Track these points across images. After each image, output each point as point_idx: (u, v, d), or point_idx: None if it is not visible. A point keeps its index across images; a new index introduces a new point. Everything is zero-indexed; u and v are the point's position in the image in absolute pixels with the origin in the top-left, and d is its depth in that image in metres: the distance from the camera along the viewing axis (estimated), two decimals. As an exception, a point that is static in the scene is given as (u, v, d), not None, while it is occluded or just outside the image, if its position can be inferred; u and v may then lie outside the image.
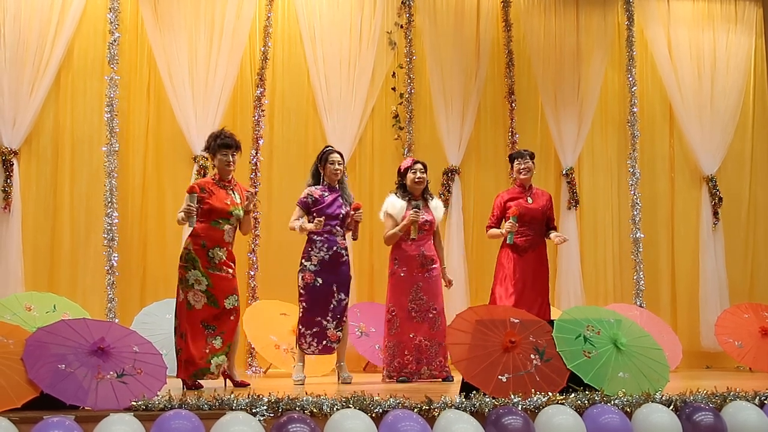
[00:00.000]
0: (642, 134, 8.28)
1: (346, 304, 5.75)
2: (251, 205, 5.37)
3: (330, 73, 7.50)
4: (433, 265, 5.94)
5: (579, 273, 7.90)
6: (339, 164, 5.76)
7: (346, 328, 5.75)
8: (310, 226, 5.60)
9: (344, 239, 5.80)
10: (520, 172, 6.11)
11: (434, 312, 5.87)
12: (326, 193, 5.74)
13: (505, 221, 6.06)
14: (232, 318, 5.21)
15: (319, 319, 5.62)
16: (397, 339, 5.82)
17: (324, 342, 5.63)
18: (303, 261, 5.69)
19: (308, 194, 5.73)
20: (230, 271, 5.25)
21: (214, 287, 5.15)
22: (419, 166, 6.02)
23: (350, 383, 5.47)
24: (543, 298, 6.06)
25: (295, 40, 7.59)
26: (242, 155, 7.18)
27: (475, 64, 7.90)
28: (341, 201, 5.77)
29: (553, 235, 6.12)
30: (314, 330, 5.61)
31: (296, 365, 5.66)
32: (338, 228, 5.73)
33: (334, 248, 5.68)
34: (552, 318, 5.25)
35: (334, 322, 5.65)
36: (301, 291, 5.65)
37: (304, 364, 5.67)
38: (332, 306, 5.65)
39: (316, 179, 5.82)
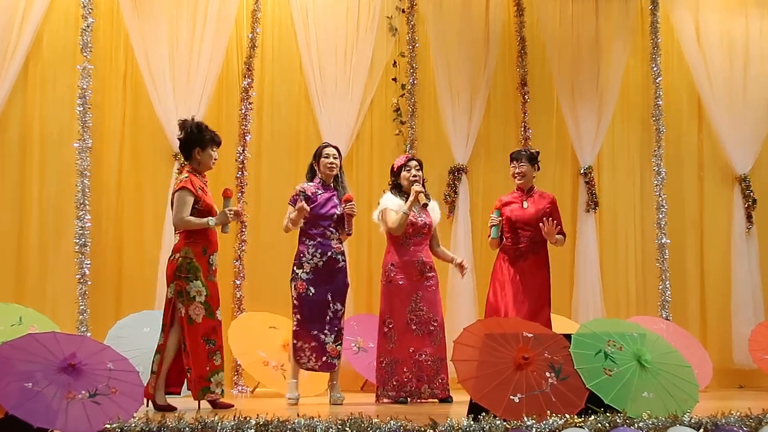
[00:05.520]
0: (668, 130, 8.28)
1: (343, 314, 5.74)
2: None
3: (324, 61, 7.50)
4: (431, 273, 5.92)
5: (598, 282, 7.89)
6: (334, 158, 5.76)
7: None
8: (295, 214, 5.56)
9: (340, 243, 5.77)
10: (514, 177, 6.08)
11: (435, 325, 5.84)
12: (320, 191, 5.73)
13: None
14: (221, 329, 5.19)
15: (316, 332, 5.59)
16: (395, 354, 5.77)
17: (324, 358, 5.61)
18: (294, 269, 5.67)
19: (300, 190, 5.70)
20: (216, 277, 5.25)
21: (211, 297, 5.09)
22: (414, 163, 6.00)
23: (341, 404, 5.46)
24: (542, 308, 5.90)
25: (286, 25, 7.59)
26: (228, 152, 7.30)
27: (484, 53, 7.89)
28: (336, 201, 5.75)
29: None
30: (312, 344, 5.59)
31: (290, 382, 5.63)
32: (332, 230, 5.70)
33: (329, 253, 5.66)
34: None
35: (333, 336, 5.63)
36: (295, 302, 5.64)
37: (299, 381, 5.64)
38: (328, 317, 5.63)
39: (311, 177, 5.82)
